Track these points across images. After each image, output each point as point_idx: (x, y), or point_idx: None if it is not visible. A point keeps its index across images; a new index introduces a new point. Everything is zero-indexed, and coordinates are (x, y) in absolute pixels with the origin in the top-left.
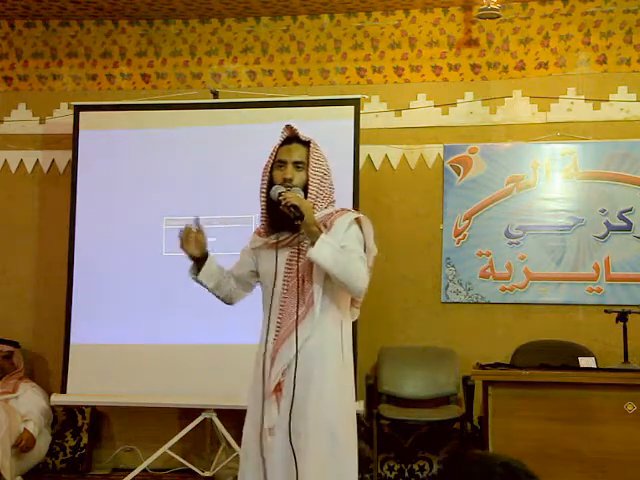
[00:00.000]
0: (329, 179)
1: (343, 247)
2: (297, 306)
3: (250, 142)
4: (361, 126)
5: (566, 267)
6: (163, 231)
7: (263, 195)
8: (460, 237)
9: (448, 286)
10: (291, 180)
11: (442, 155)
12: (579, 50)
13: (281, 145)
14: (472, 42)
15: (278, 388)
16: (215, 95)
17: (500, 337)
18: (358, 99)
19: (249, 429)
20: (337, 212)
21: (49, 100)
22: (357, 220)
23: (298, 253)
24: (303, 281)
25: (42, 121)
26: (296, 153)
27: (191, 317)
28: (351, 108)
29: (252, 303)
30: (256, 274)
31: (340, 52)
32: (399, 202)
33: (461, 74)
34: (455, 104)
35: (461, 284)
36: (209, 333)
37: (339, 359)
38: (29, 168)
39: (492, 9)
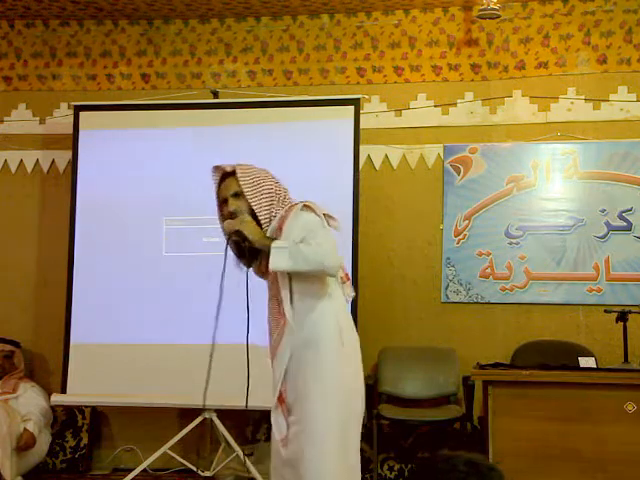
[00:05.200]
0: (265, 185)
1: (300, 241)
2: (279, 319)
3: (250, 142)
4: (361, 126)
5: (566, 267)
6: (163, 231)
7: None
8: (460, 237)
9: (448, 286)
10: (235, 211)
11: (442, 155)
12: (579, 50)
13: (218, 185)
14: (472, 42)
15: (281, 399)
16: (215, 95)
17: (500, 337)
18: (358, 99)
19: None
20: (286, 212)
21: (49, 100)
22: (305, 207)
23: (266, 270)
24: (276, 292)
25: (42, 121)
26: (229, 186)
27: (191, 317)
28: (351, 108)
29: (252, 303)
30: None
31: (340, 52)
32: (399, 202)
33: (461, 74)
34: (455, 104)
35: (461, 284)
36: (209, 333)
37: (335, 346)
38: (29, 168)
39: (492, 9)
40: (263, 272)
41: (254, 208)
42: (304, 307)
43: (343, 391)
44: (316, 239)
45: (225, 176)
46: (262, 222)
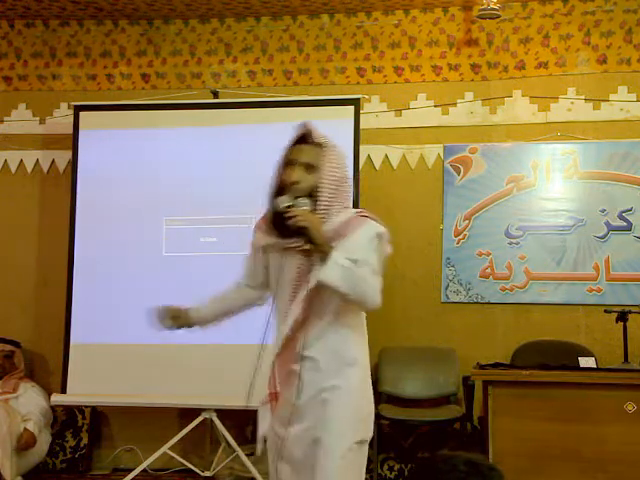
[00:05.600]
0: (345, 186)
1: (356, 261)
2: (304, 317)
3: (250, 142)
4: (361, 126)
5: (566, 267)
6: (163, 231)
7: (270, 197)
8: (460, 237)
9: (448, 286)
10: (298, 183)
11: (442, 155)
12: (579, 50)
13: (293, 144)
14: (472, 42)
15: (274, 397)
16: (215, 95)
17: (500, 337)
18: (358, 99)
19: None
20: (355, 219)
21: (49, 100)
22: (377, 236)
23: (309, 263)
24: (312, 294)
25: (42, 121)
26: (307, 154)
27: None
28: (351, 108)
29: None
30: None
31: (340, 52)
32: (399, 202)
33: (461, 74)
34: (455, 104)
35: (461, 284)
36: (209, 333)
37: (365, 365)
38: (29, 168)
39: (492, 9)
40: (285, 250)
41: (320, 197)
42: (336, 320)
43: (368, 412)
44: (373, 268)
45: (305, 140)
46: (319, 209)
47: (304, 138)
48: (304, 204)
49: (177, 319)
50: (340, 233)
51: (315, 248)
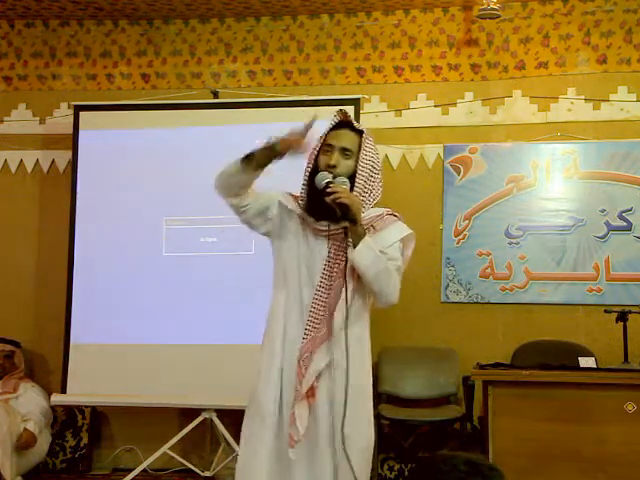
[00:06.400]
0: (379, 174)
1: (385, 254)
2: (329, 309)
3: (250, 142)
4: None
5: (566, 267)
6: (163, 231)
7: (305, 179)
8: (460, 237)
9: (448, 286)
10: (335, 167)
11: (442, 155)
12: (579, 50)
13: (331, 130)
14: (472, 42)
15: (311, 393)
16: (215, 95)
17: (500, 337)
18: (358, 99)
19: (257, 437)
20: (388, 216)
21: (49, 100)
22: (408, 237)
23: (345, 251)
24: (345, 282)
25: (42, 121)
26: (345, 139)
27: (191, 317)
28: (351, 108)
29: (253, 303)
30: (264, 223)
31: (340, 52)
32: (399, 202)
33: (461, 74)
34: (455, 104)
35: (461, 284)
36: (209, 333)
37: (370, 364)
38: (29, 168)
39: (492, 9)
40: (314, 233)
41: (357, 180)
42: (360, 312)
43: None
44: (398, 265)
45: (345, 126)
46: (356, 193)
47: (342, 124)
48: (344, 182)
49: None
50: (374, 226)
51: (352, 228)
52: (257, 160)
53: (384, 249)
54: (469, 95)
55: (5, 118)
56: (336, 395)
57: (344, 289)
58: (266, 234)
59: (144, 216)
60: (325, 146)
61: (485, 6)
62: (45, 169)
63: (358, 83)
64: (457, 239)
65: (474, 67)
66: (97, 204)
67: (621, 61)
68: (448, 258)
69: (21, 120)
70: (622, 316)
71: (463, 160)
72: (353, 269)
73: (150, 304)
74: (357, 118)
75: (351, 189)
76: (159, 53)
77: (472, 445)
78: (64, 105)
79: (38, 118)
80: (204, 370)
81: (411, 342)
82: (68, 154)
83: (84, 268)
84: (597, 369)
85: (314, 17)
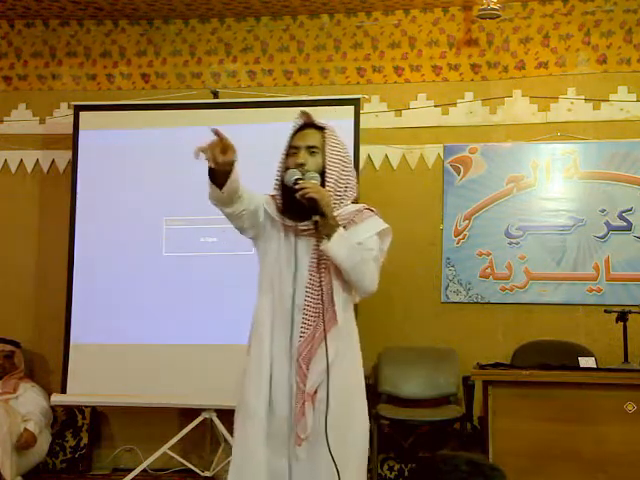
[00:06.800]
0: (350, 167)
1: (360, 243)
2: (321, 305)
3: (250, 142)
4: (361, 126)
5: (566, 267)
6: (163, 231)
7: (277, 183)
8: (460, 237)
9: (448, 286)
10: (303, 165)
11: (442, 155)
12: (579, 50)
13: (295, 132)
14: (472, 42)
15: (314, 392)
16: (215, 95)
17: (500, 337)
18: (358, 99)
19: (251, 438)
20: (366, 211)
21: (49, 100)
22: (384, 231)
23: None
24: (330, 278)
25: (42, 121)
26: (310, 138)
27: (191, 317)
28: (351, 108)
29: (253, 303)
30: (253, 226)
31: (340, 52)
32: (399, 202)
33: (461, 74)
34: (455, 104)
35: (461, 284)
36: (209, 333)
37: (360, 359)
38: (29, 168)
39: (492, 9)
40: (297, 232)
41: (328, 173)
42: (346, 306)
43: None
44: (375, 255)
45: (308, 127)
46: (328, 188)
47: (305, 125)
48: (313, 177)
49: (228, 153)
50: (352, 219)
51: (323, 222)
52: (217, 174)
53: (359, 239)
54: (469, 95)
55: (5, 118)
56: (330, 392)
57: (332, 284)
58: (254, 238)
59: (144, 216)
60: (291, 149)
61: (485, 6)
62: (45, 169)
63: (358, 83)
64: (457, 239)
65: (474, 67)
66: (97, 204)
67: (621, 61)
68: (448, 258)
69: (21, 120)
70: (622, 316)
71: (463, 160)
72: (335, 265)
73: (150, 304)
74: (357, 118)
75: (323, 185)
76: (159, 53)
77: (472, 445)
78: (64, 105)
79: (38, 118)
80: (204, 370)
81: (411, 342)
82: (68, 154)
83: (84, 268)
84: (597, 369)
85: (314, 17)
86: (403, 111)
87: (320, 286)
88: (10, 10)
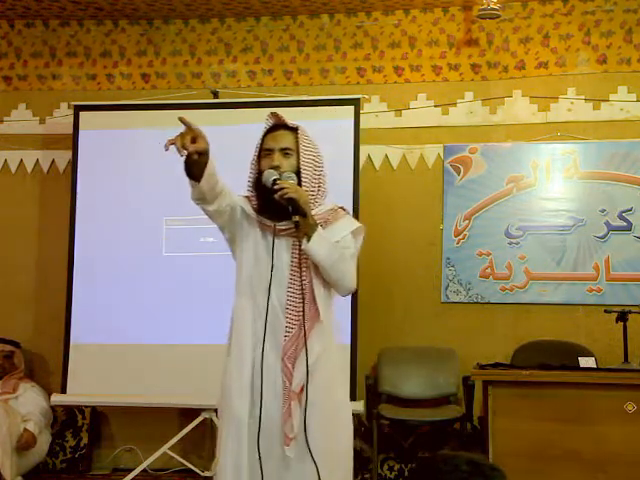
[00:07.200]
0: (321, 166)
1: (337, 242)
2: (303, 303)
3: (250, 142)
4: (361, 126)
5: (566, 267)
6: (163, 231)
7: (250, 185)
8: (460, 237)
9: (448, 286)
10: (279, 167)
11: (442, 155)
12: (579, 50)
13: (266, 133)
14: (472, 42)
15: (301, 390)
16: (215, 95)
17: (500, 337)
18: (358, 99)
19: (234, 439)
20: (340, 210)
21: (49, 100)
22: (358, 229)
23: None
24: (311, 276)
25: (42, 121)
26: (283, 139)
27: (191, 317)
28: (351, 108)
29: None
30: (230, 224)
31: (340, 52)
32: (399, 202)
33: (461, 74)
34: (455, 104)
35: (461, 284)
36: (209, 333)
37: (341, 357)
38: (29, 168)
39: (492, 9)
40: (278, 233)
41: (303, 174)
42: (326, 304)
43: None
44: (352, 253)
45: (279, 128)
46: (304, 188)
47: (276, 126)
48: (290, 177)
49: (198, 141)
50: (327, 218)
51: (304, 221)
52: (192, 167)
53: (338, 239)
54: (469, 95)
55: (5, 118)
56: (314, 389)
57: (313, 282)
58: (230, 239)
59: (144, 216)
60: (264, 151)
61: (485, 6)
62: (45, 169)
63: (358, 83)
64: (457, 239)
65: (474, 67)
66: (97, 204)
67: (621, 61)
68: (448, 258)
69: (21, 120)
70: (622, 316)
71: (463, 160)
72: (315, 264)
73: (150, 304)
74: (357, 118)
75: (299, 185)
76: (159, 53)
77: (472, 445)
78: (64, 105)
79: (38, 118)
80: (204, 370)
81: (411, 342)
82: (68, 154)
83: (84, 268)
84: (597, 369)
85: (314, 17)
86: (403, 111)
87: (301, 285)
88: (10, 10)
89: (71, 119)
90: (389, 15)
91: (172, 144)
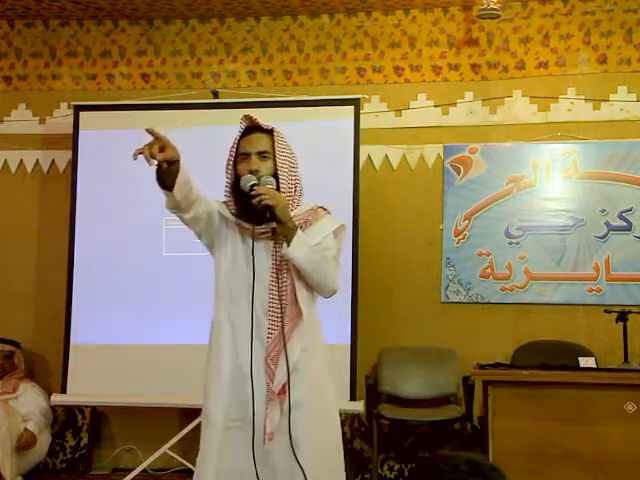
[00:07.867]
0: (297, 167)
1: (318, 244)
2: (281, 306)
3: None
4: (361, 126)
5: (566, 267)
6: (163, 231)
7: (227, 191)
8: (460, 237)
9: (448, 286)
10: (257, 172)
11: (442, 155)
12: (579, 50)
13: (241, 137)
14: (472, 42)
15: (282, 391)
16: (215, 95)
17: (500, 337)
18: (358, 99)
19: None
20: (320, 210)
21: (49, 100)
22: (339, 228)
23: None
24: (292, 278)
25: (42, 121)
26: (259, 143)
27: (191, 317)
28: (351, 108)
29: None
30: (208, 230)
31: (340, 52)
32: (399, 202)
33: (461, 74)
34: (455, 104)
35: (461, 284)
36: (209, 333)
37: (328, 356)
38: (29, 168)
39: (492, 9)
40: (256, 236)
41: (280, 178)
42: (310, 304)
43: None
44: (334, 255)
45: (254, 130)
46: (282, 191)
47: (250, 129)
48: (269, 182)
49: (166, 150)
50: (307, 219)
51: (281, 227)
52: (163, 176)
53: (317, 240)
54: (469, 95)
55: (5, 118)
56: (297, 389)
57: (294, 284)
58: (209, 245)
59: (144, 216)
60: (241, 155)
61: (485, 6)
62: (45, 169)
63: (358, 83)
64: (457, 239)
65: (474, 67)
66: (97, 204)
67: (621, 61)
68: (448, 258)
69: (21, 120)
70: (622, 316)
71: (463, 160)
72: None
73: (150, 304)
74: (357, 118)
75: (278, 188)
76: (159, 53)
77: (472, 445)
78: (64, 105)
79: (38, 118)
80: (204, 370)
81: (411, 342)
82: (68, 154)
83: (84, 268)
84: (597, 369)
85: (314, 17)
86: (403, 111)
87: (283, 287)
88: (10, 10)
89: (71, 119)
90: (389, 15)
91: (140, 153)
